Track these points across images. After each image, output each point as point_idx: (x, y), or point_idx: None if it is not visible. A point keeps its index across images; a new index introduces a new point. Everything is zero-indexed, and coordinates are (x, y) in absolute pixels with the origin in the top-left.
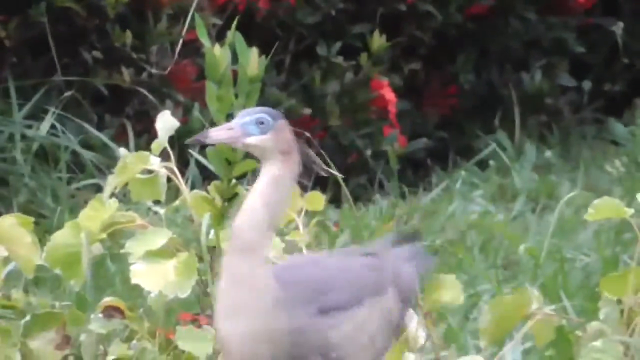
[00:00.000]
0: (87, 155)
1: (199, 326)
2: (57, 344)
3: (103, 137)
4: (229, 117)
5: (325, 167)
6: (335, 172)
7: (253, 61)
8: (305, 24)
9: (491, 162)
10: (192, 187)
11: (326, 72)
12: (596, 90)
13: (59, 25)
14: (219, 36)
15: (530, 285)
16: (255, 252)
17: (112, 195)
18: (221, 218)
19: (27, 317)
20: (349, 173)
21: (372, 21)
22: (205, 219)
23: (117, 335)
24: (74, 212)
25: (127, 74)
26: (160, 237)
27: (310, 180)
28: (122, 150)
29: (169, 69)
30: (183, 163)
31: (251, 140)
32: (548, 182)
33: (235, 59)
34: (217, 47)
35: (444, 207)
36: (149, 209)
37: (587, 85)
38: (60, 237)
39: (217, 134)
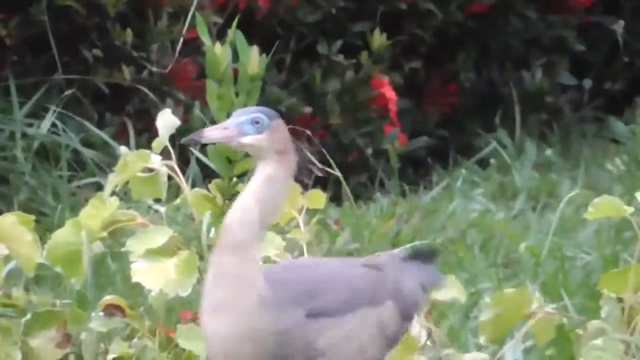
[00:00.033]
0: (87, 153)
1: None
2: (57, 342)
3: (104, 135)
4: (230, 115)
5: (322, 167)
6: (332, 170)
7: (254, 60)
8: (306, 23)
9: (492, 161)
10: (193, 186)
11: (327, 70)
12: (596, 89)
13: (60, 24)
14: (219, 35)
15: (530, 284)
16: (245, 250)
17: (113, 193)
18: (222, 216)
19: (28, 316)
20: (350, 171)
21: (372, 19)
22: (206, 217)
23: (118, 334)
24: (74, 210)
25: (127, 72)
26: (161, 236)
27: (311, 178)
28: (122, 149)
29: (169, 67)
30: (184, 161)
31: (247, 139)
32: (548, 180)
33: (235, 57)
34: (217, 45)
35: (445, 206)
36: (150, 207)
37: (587, 83)
38: (61, 236)
39: (212, 134)
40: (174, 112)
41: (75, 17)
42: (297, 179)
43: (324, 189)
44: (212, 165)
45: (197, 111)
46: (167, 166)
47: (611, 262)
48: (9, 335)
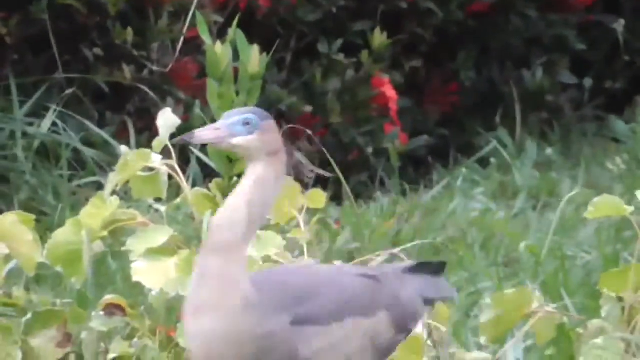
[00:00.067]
0: (88, 152)
1: None
2: (58, 341)
3: (104, 134)
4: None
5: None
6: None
7: (254, 59)
8: (306, 22)
9: (492, 160)
10: (194, 185)
11: (327, 69)
12: (597, 88)
13: (60, 23)
14: (220, 34)
15: (531, 283)
16: (232, 251)
17: (113, 192)
18: None
19: (29, 315)
20: (350, 170)
21: (373, 18)
22: (207, 217)
23: (118, 333)
24: (75, 209)
25: (128, 71)
26: (161, 235)
27: (312, 177)
28: (123, 148)
29: (170, 66)
30: (184, 160)
31: (237, 140)
32: (549, 179)
33: (236, 56)
34: (218, 44)
35: (445, 205)
36: (150, 206)
37: (588, 82)
38: (62, 235)
39: (203, 134)
40: (175, 111)
41: (75, 16)
42: (297, 179)
43: (325, 188)
44: (212, 164)
45: (197, 110)
46: (168, 165)
47: (611, 261)
48: (10, 334)
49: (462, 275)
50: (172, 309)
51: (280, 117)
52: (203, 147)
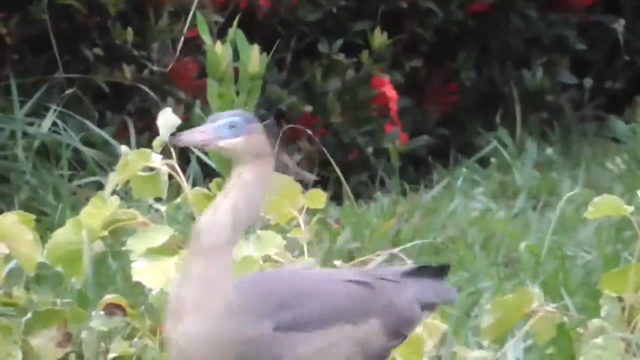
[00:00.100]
0: (88, 152)
1: None
2: (58, 341)
3: (104, 134)
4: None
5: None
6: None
7: (254, 59)
8: (307, 22)
9: (492, 160)
10: (194, 185)
11: (327, 69)
12: (597, 88)
13: (60, 23)
14: (220, 34)
15: (531, 283)
16: (216, 254)
17: (114, 192)
18: None
19: (29, 315)
20: (350, 170)
21: (373, 18)
22: None
23: (119, 333)
24: (75, 209)
25: (128, 71)
26: (161, 235)
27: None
28: (123, 148)
29: (170, 66)
30: (184, 160)
31: (224, 143)
32: (549, 179)
33: (236, 56)
34: (218, 44)
35: (445, 205)
36: (150, 206)
37: (588, 82)
38: (62, 235)
39: (189, 137)
40: (175, 111)
41: (75, 16)
42: (298, 179)
43: (324, 188)
44: (212, 164)
45: (197, 110)
46: (168, 165)
47: (611, 261)
48: (10, 334)
49: (462, 275)
50: None
51: (281, 117)
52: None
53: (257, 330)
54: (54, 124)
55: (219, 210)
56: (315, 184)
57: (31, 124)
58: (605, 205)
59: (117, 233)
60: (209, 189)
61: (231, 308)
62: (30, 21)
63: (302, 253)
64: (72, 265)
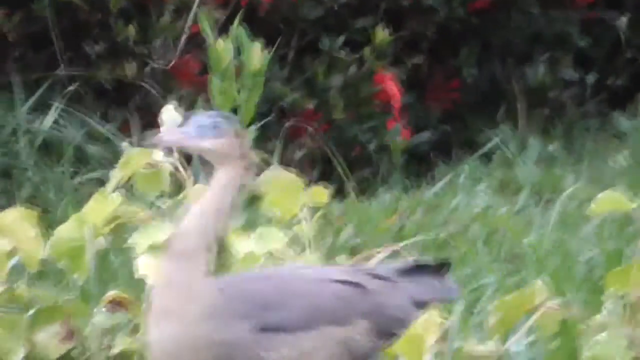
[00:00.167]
0: (90, 149)
1: None
2: (61, 337)
3: (106, 131)
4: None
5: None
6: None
7: (256, 55)
8: (309, 19)
9: (494, 156)
10: (196, 181)
11: (330, 66)
12: (599, 84)
13: (62, 20)
14: (222, 31)
15: (533, 279)
16: (196, 257)
17: (116, 189)
18: None
19: (32, 311)
20: (353, 166)
21: (375, 15)
22: None
23: (122, 329)
24: (77, 205)
25: (130, 68)
26: (164, 231)
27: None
28: (125, 144)
29: (172, 63)
30: (186, 157)
31: (204, 144)
32: (551, 175)
33: (238, 53)
34: (220, 41)
35: (448, 201)
36: (153, 202)
37: (590, 79)
38: (64, 231)
39: (170, 137)
40: (177, 108)
41: (77, 13)
42: (301, 174)
43: (328, 184)
44: None
45: (200, 106)
46: (170, 162)
47: (614, 257)
48: (13, 330)
49: (465, 271)
50: None
51: (283, 114)
52: None
53: (234, 332)
54: (56, 120)
55: (200, 213)
56: (318, 180)
57: (33, 121)
58: (608, 201)
59: (119, 229)
60: None
61: (210, 310)
62: (32, 18)
63: (305, 249)
64: (75, 261)
